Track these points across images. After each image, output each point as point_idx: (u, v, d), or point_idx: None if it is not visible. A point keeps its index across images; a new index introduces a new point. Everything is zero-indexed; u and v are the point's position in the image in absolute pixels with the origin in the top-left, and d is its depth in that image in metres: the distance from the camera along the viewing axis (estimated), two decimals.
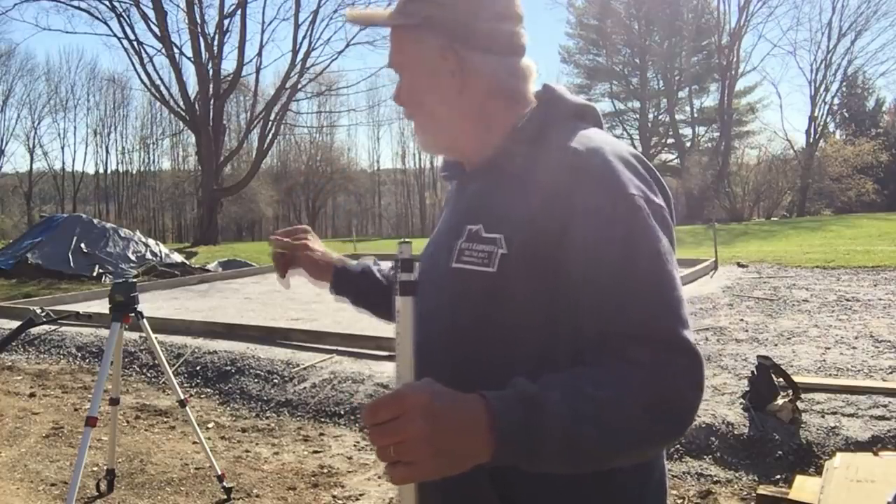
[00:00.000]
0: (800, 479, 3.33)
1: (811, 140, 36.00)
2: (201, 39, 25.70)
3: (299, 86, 27.23)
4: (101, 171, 43.83)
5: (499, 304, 0.99)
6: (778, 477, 3.63)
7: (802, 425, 4.01)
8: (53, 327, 7.12)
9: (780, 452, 3.83)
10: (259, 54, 28.73)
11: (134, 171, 44.83)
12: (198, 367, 5.98)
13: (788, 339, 6.13)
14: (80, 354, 6.70)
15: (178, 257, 15.18)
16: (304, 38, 26.21)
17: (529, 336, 0.97)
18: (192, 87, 27.61)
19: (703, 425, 4.08)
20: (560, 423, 0.80)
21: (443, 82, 1.07)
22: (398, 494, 0.88)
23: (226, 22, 26.21)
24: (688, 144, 39.35)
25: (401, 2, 1.10)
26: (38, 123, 40.83)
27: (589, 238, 0.93)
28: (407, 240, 0.81)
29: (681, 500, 3.47)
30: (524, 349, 0.97)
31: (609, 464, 0.89)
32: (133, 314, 3.46)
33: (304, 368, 5.62)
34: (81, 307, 7.61)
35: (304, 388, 5.30)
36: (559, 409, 0.80)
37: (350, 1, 25.73)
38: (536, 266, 0.96)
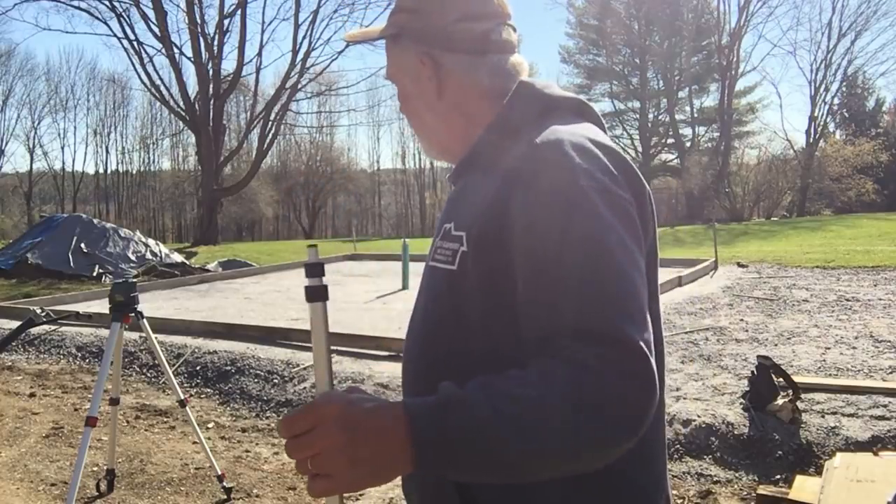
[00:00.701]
0: (800, 479, 3.33)
1: (811, 140, 36.00)
2: (201, 39, 25.70)
3: (299, 86, 27.22)
4: (101, 171, 43.87)
5: (460, 302, 0.99)
6: (778, 477, 3.63)
7: (802, 425, 4.01)
8: (53, 327, 7.12)
9: (780, 452, 3.83)
10: (259, 54, 28.73)
11: (134, 171, 44.85)
12: (198, 367, 5.98)
13: (788, 339, 6.13)
14: (80, 354, 6.70)
15: (178, 257, 15.18)
16: (304, 38, 26.21)
17: (491, 333, 0.95)
18: (192, 87, 27.64)
19: (704, 425, 4.08)
20: (478, 424, 0.74)
21: (424, 87, 1.10)
22: None
23: (226, 22, 26.21)
24: (688, 144, 39.33)
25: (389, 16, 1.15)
26: (38, 123, 40.86)
27: (526, 230, 0.89)
28: (314, 243, 0.84)
29: (681, 501, 3.47)
30: (488, 346, 0.95)
31: (540, 471, 0.78)
32: (133, 314, 3.46)
33: (304, 368, 5.62)
34: (81, 307, 7.61)
35: (304, 388, 5.30)
36: (479, 412, 0.74)
37: (350, 1, 25.76)
38: (486, 262, 0.95)
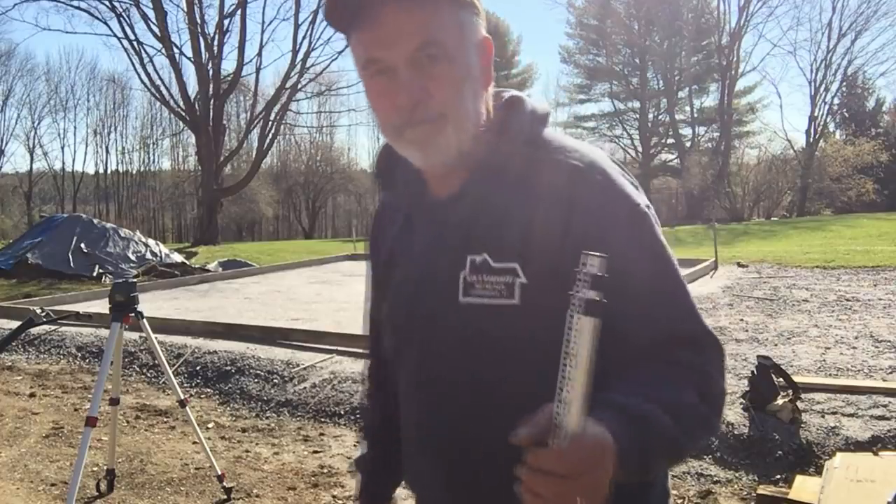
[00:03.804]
0: (800, 479, 3.33)
1: (811, 140, 36.00)
2: (201, 39, 25.68)
3: (299, 86, 27.21)
4: (101, 171, 43.83)
5: (523, 339, 0.93)
6: (778, 477, 3.63)
7: (802, 425, 4.01)
8: (53, 327, 7.12)
9: (780, 452, 3.83)
10: (259, 54, 28.71)
11: (134, 171, 44.81)
12: (198, 367, 5.98)
13: (788, 339, 6.13)
14: (80, 354, 6.70)
15: (178, 257, 15.18)
16: (304, 38, 26.19)
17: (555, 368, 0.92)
18: (192, 87, 27.60)
19: None
20: (663, 433, 0.82)
21: (482, 69, 0.98)
22: None
23: (226, 22, 26.19)
24: (688, 144, 39.34)
25: None
26: (38, 123, 40.83)
27: (615, 252, 0.85)
28: (594, 252, 0.69)
29: (681, 501, 3.47)
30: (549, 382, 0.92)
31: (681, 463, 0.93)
32: (133, 314, 3.46)
33: (304, 368, 5.62)
34: (81, 307, 7.61)
35: (304, 388, 5.30)
36: (661, 425, 0.81)
37: None
38: (553, 291, 0.87)
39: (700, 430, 0.88)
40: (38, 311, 3.72)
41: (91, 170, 44.50)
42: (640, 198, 0.97)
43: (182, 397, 3.66)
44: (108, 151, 43.73)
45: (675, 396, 0.85)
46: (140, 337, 6.29)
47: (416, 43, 0.91)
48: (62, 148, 60.67)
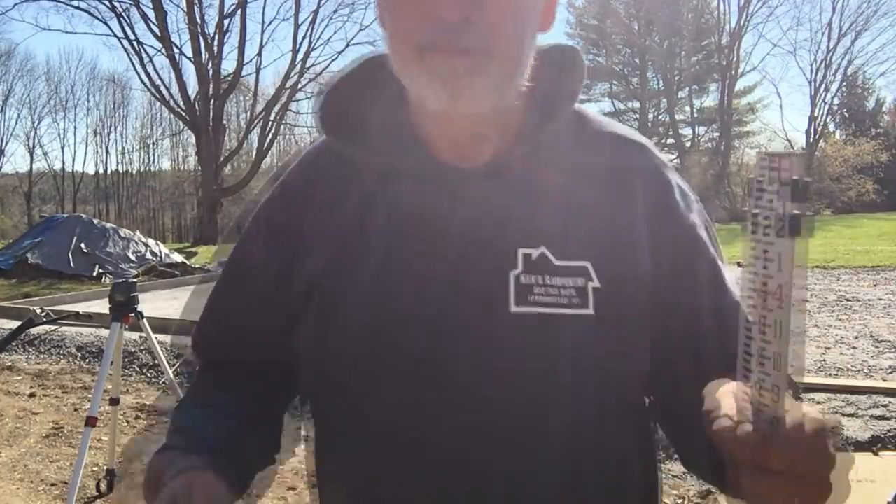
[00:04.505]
0: None
1: (811, 140, 36.00)
2: (201, 39, 25.71)
3: (299, 86, 27.24)
4: (101, 171, 43.82)
5: (594, 357, 0.73)
6: None
7: None
8: (53, 327, 7.11)
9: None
10: (259, 54, 28.69)
11: (134, 171, 44.80)
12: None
13: None
14: (80, 354, 6.70)
15: (178, 257, 15.18)
16: (304, 38, 26.24)
17: (626, 381, 0.77)
18: (192, 87, 27.60)
19: None
20: None
21: (544, 6, 0.75)
22: None
23: (226, 22, 26.21)
24: (688, 144, 39.33)
25: None
26: (38, 123, 40.81)
27: (692, 255, 0.78)
28: (781, 151, 0.51)
29: (681, 500, 3.47)
30: (622, 394, 0.77)
31: None
32: (133, 314, 3.46)
33: None
34: (81, 307, 7.61)
35: None
36: None
37: (350, 1, 25.78)
38: (632, 298, 0.74)
39: None
40: (38, 311, 3.72)
41: (91, 170, 44.53)
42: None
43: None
44: (108, 151, 43.76)
45: None
46: (140, 337, 6.29)
47: None
48: (62, 148, 60.68)
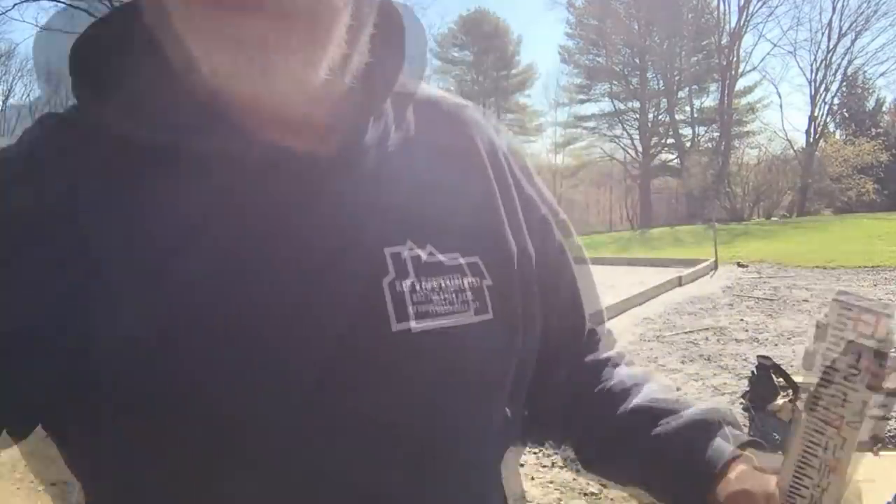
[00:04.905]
0: None
1: (811, 140, 36.00)
2: None
3: None
4: None
5: (504, 371, 0.62)
6: None
7: None
8: None
9: (780, 453, 3.82)
10: None
11: None
12: None
13: (788, 339, 6.13)
14: None
15: None
16: None
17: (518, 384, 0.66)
18: None
19: None
20: None
21: None
22: None
23: None
24: (688, 144, 39.33)
25: None
26: None
27: (549, 234, 0.72)
28: (869, 306, 0.47)
29: None
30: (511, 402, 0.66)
31: None
32: None
33: None
34: None
35: None
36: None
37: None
38: (519, 294, 0.64)
39: None
40: None
41: None
42: None
43: None
44: None
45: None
46: None
47: None
48: None
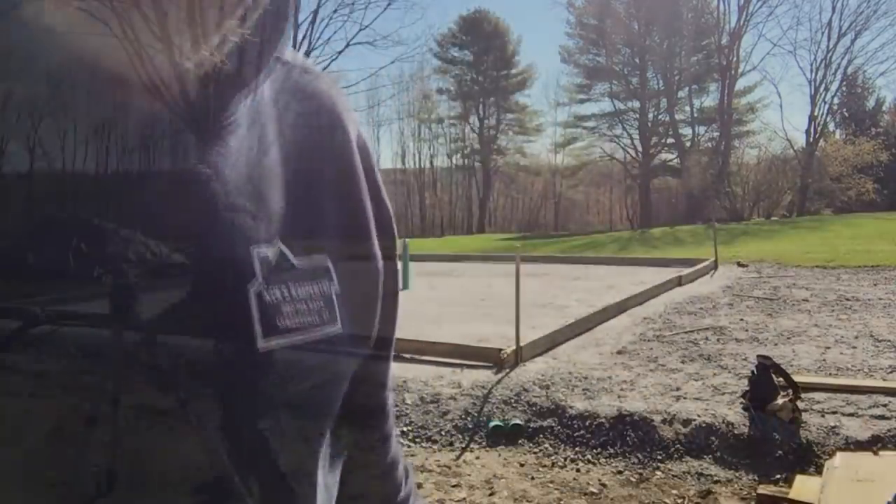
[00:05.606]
0: (800, 479, 3.34)
1: (811, 140, 36.02)
2: None
3: None
4: None
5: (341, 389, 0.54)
6: (778, 476, 3.64)
7: (802, 425, 4.01)
8: None
9: (780, 452, 3.83)
10: None
11: None
12: None
13: (788, 338, 6.14)
14: None
15: None
16: (304, 38, 26.23)
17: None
18: None
19: (704, 425, 4.08)
20: None
21: None
22: None
23: None
24: (688, 144, 39.33)
25: None
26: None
27: (386, 229, 0.61)
28: None
29: (681, 500, 3.47)
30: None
31: None
32: None
33: None
34: None
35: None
36: None
37: (350, 1, 25.80)
38: (369, 293, 0.57)
39: None
40: (38, 311, 3.72)
41: None
42: None
43: None
44: None
45: None
46: None
47: None
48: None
